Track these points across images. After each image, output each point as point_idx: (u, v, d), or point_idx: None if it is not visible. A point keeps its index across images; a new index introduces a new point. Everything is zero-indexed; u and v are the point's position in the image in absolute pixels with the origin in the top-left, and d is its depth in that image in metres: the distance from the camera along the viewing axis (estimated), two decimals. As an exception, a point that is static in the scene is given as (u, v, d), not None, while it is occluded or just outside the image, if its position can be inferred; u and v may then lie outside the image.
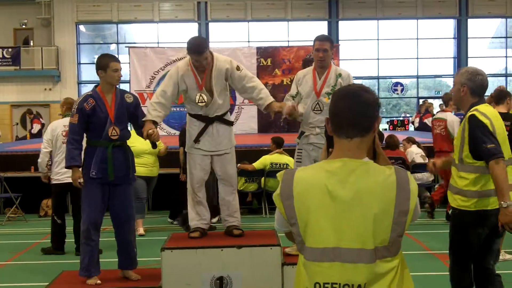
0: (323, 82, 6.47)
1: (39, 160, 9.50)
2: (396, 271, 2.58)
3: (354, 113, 2.65)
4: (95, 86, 6.34)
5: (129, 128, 6.49)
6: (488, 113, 4.97)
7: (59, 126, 9.34)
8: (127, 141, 6.37)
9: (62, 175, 9.20)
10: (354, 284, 2.53)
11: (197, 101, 6.22)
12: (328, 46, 6.48)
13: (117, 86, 6.37)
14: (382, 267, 2.55)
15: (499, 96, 8.66)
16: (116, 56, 6.54)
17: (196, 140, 6.33)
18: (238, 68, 6.33)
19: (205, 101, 6.21)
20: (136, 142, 8.99)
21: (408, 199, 2.56)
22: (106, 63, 6.19)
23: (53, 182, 9.35)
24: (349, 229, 2.55)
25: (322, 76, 6.49)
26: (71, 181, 6.60)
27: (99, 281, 6.13)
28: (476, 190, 4.96)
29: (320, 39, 6.52)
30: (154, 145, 6.47)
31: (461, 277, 5.25)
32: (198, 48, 6.11)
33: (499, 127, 4.97)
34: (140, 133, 6.32)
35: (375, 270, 2.54)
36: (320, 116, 6.40)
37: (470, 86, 5.07)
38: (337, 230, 2.57)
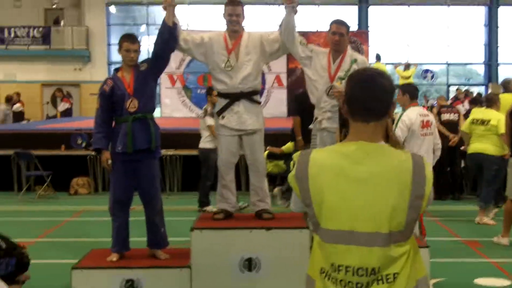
0: (337, 66, 6.41)
1: None
2: (408, 255, 2.63)
3: (370, 98, 2.69)
4: (117, 68, 6.39)
5: (155, 101, 6.47)
6: None
7: None
8: None
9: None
10: (368, 267, 2.58)
11: (224, 66, 6.25)
12: (344, 30, 6.44)
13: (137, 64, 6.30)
14: (395, 251, 2.60)
15: None
16: (139, 37, 6.49)
17: (220, 113, 6.32)
18: (269, 34, 6.49)
19: (231, 66, 6.23)
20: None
21: (424, 185, 2.60)
22: (120, 43, 6.25)
23: None
24: (364, 211, 2.59)
25: (337, 60, 6.44)
26: None
27: (115, 258, 6.18)
28: None
29: (337, 22, 6.49)
30: None
31: None
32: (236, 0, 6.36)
33: None
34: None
35: (389, 254, 2.58)
36: (332, 100, 6.39)
37: None
38: (352, 211, 2.60)
